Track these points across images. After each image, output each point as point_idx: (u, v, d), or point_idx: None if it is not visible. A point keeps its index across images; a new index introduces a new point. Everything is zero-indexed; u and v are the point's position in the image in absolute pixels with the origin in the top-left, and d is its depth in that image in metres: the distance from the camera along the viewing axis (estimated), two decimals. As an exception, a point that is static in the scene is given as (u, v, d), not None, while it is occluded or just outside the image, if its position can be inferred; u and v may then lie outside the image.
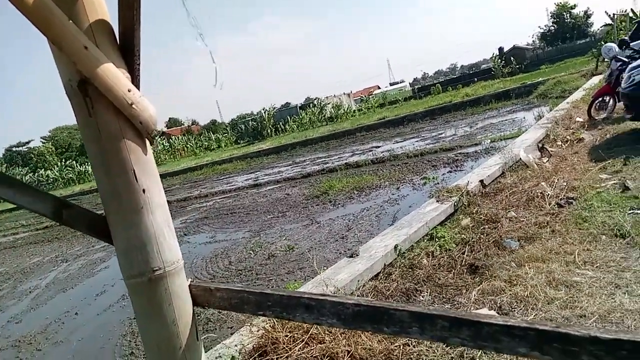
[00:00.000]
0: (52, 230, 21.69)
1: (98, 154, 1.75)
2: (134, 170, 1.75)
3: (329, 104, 52.72)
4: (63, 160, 65.68)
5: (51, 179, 60.64)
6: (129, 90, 1.70)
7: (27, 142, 79.67)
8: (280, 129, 49.46)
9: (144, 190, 1.78)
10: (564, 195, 6.21)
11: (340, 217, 10.19)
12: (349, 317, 1.63)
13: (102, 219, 1.87)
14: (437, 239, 5.81)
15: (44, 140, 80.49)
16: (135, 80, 1.78)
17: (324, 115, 49.13)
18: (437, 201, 7.14)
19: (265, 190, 16.87)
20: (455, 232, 5.94)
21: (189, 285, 1.96)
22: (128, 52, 1.76)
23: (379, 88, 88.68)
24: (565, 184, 6.65)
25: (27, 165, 73.46)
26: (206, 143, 57.83)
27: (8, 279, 12.71)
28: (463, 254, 5.20)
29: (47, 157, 72.61)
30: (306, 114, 50.13)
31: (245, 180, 21.59)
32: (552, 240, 4.98)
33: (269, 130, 50.04)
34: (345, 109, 49.71)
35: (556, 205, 5.94)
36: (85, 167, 59.80)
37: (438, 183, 10.92)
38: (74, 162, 63.94)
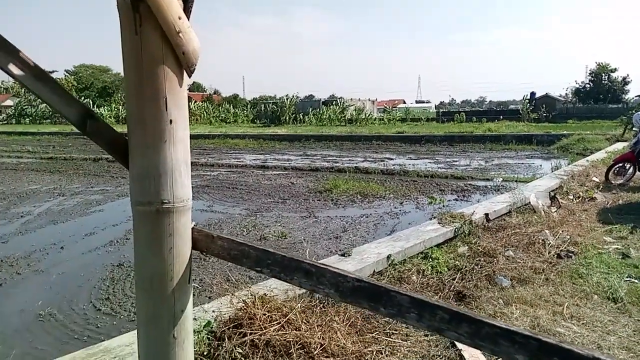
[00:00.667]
0: (55, 162, 21.81)
1: (135, 74, 1.72)
2: (166, 99, 1.72)
3: (352, 106, 52.67)
4: (82, 98, 65.97)
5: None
6: (179, 18, 1.66)
7: (51, 72, 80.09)
8: (299, 118, 49.44)
9: (170, 121, 1.75)
10: (565, 248, 6.18)
11: (338, 217, 10.19)
12: (348, 290, 1.63)
13: (124, 140, 1.86)
14: (431, 259, 5.80)
15: (67, 74, 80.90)
16: (187, 10, 1.74)
17: (345, 116, 49.08)
18: (439, 223, 7.13)
19: (271, 174, 16.89)
20: (450, 257, 5.93)
21: (192, 228, 1.95)
22: None
23: (404, 102, 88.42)
24: (568, 237, 6.62)
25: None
26: (223, 115, 57.88)
27: (3, 199, 12.79)
28: (453, 279, 5.19)
29: (67, 88, 72.87)
30: (327, 110, 50.11)
31: (254, 160, 21.61)
32: (544, 287, 4.97)
33: (287, 118, 50.04)
34: (367, 115, 49.66)
35: (555, 255, 5.91)
36: (101, 111, 60.03)
37: (442, 207, 10.89)
38: (91, 102, 64.22)
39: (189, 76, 1.85)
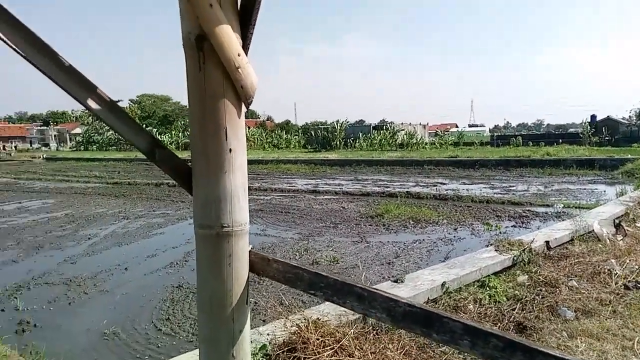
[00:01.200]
0: (120, 187, 23.06)
1: (198, 108, 1.87)
2: (226, 129, 1.86)
3: (402, 130, 52.43)
4: (144, 126, 69.50)
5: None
6: (238, 55, 1.80)
7: (117, 101, 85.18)
8: (349, 143, 49.76)
9: (230, 150, 1.89)
10: (634, 279, 5.83)
11: (390, 242, 10.11)
12: (399, 315, 1.65)
13: (188, 168, 2.00)
14: (488, 288, 5.64)
15: (131, 103, 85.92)
16: (246, 46, 1.88)
17: (395, 141, 48.90)
18: (496, 250, 6.92)
19: (323, 199, 17.03)
20: (509, 286, 5.74)
21: (250, 251, 2.05)
22: (245, 18, 1.88)
23: (456, 127, 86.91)
24: (637, 267, 6.24)
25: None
26: (276, 140, 59.25)
27: (72, 222, 13.65)
28: (513, 310, 5.01)
29: (136, 122, 77.31)
30: (378, 134, 50.14)
31: (305, 184, 21.89)
32: (611, 320, 4.70)
33: (338, 142, 50.48)
34: (418, 139, 49.22)
35: (623, 287, 5.59)
36: (162, 138, 63.02)
37: (499, 234, 10.56)
38: (154, 129, 67.60)
39: (247, 108, 2.00)
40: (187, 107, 1.97)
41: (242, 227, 1.97)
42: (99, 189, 22.52)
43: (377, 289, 1.80)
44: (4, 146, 74.43)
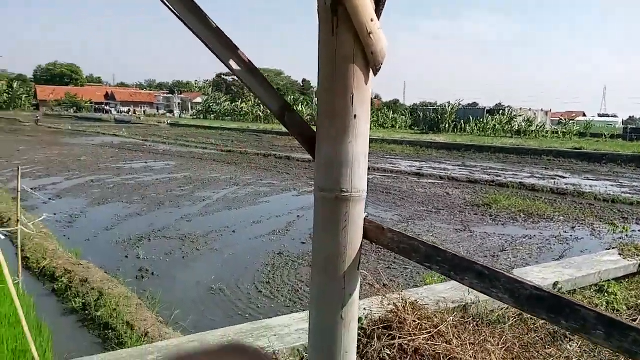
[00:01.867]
0: (232, 155, 24.50)
1: (329, 72, 1.89)
2: (352, 95, 1.86)
3: (521, 116, 48.91)
4: (257, 99, 72.93)
5: (243, 111, 68.02)
6: (371, 20, 1.79)
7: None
8: (459, 127, 47.66)
9: (355, 116, 1.89)
10: None
11: (497, 235, 9.57)
12: (524, 298, 1.54)
13: (312, 132, 2.05)
14: (606, 294, 5.10)
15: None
16: (379, 12, 1.87)
17: (512, 127, 45.81)
18: (620, 254, 6.23)
19: (426, 182, 16.58)
20: (632, 295, 5.14)
21: (364, 219, 2.06)
22: None
23: (584, 115, 79.02)
24: None
25: (228, 93, 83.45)
26: (382, 120, 58.69)
27: (189, 184, 14.81)
28: (634, 320, 4.48)
29: (245, 91, 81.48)
30: (492, 119, 47.33)
31: (409, 166, 21.47)
32: None
33: (447, 125, 48.60)
34: (538, 127, 45.62)
35: None
36: (272, 111, 65.42)
37: (625, 237, 9.48)
38: (265, 103, 70.52)
39: (375, 75, 1.97)
40: (317, 71, 2.00)
41: (359, 193, 1.98)
42: (214, 155, 24.12)
43: (500, 269, 1.70)
44: (134, 110, 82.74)
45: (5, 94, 77.88)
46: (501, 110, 52.03)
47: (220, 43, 1.91)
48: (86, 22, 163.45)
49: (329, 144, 1.95)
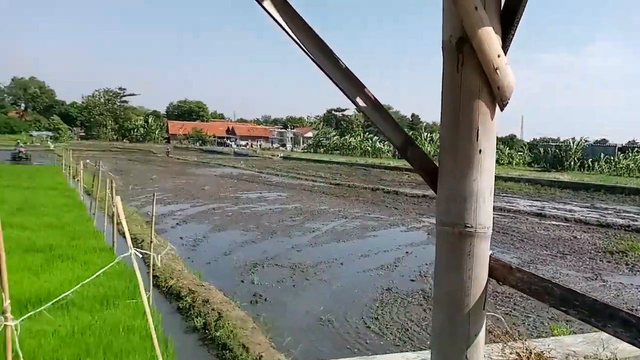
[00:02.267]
0: (340, 188, 24.91)
1: (451, 108, 1.90)
2: (477, 130, 1.85)
3: (660, 154, 43.50)
4: (366, 133, 74.10)
5: (352, 145, 69.29)
6: (498, 56, 1.79)
7: (344, 110, 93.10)
8: (586, 165, 43.64)
9: (480, 151, 1.86)
10: None
11: (635, 286, 8.46)
12: None
13: (434, 167, 2.05)
14: None
15: (356, 112, 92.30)
16: (505, 47, 1.86)
17: (649, 167, 40.90)
18: None
19: (549, 224, 15.30)
20: None
21: (490, 256, 1.96)
22: (508, 19, 1.86)
23: None
24: None
25: (337, 127, 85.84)
26: (497, 156, 55.94)
27: (300, 214, 15.28)
28: None
29: (354, 126, 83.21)
30: (625, 158, 42.70)
31: (529, 205, 20.02)
32: None
33: (572, 163, 44.74)
34: (681, 167, 40.15)
35: None
36: (382, 145, 65.92)
37: None
38: (375, 137, 71.30)
39: (501, 110, 1.95)
40: (441, 107, 2.02)
41: (485, 229, 1.90)
42: (323, 187, 24.72)
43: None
44: (252, 144, 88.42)
45: (142, 128, 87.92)
46: (635, 148, 46.79)
47: (348, 82, 2.02)
48: (214, 65, 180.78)
49: (452, 179, 1.94)
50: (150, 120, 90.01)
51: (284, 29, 1.91)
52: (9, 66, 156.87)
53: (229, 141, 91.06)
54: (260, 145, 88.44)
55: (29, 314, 3.94)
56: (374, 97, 2.03)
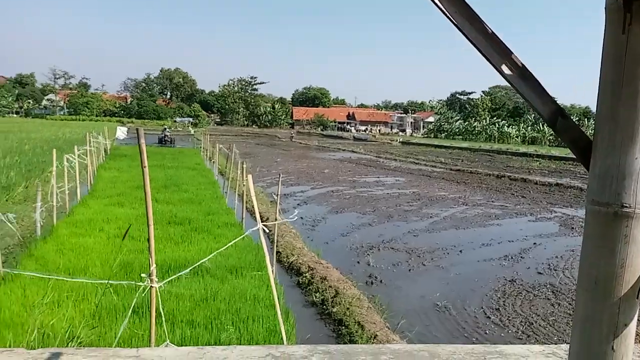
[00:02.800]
0: (461, 174, 23.94)
1: (613, 73, 1.72)
2: None
3: None
4: (494, 117, 69.99)
5: (476, 130, 65.99)
6: None
7: (470, 93, 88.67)
8: None
9: None
10: None
11: None
12: None
13: (588, 140, 1.88)
14: None
15: (483, 94, 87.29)
16: None
17: None
18: None
19: None
20: None
21: None
22: None
23: None
24: None
25: (461, 111, 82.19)
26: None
27: (417, 200, 15.03)
28: None
29: (480, 110, 78.97)
30: None
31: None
32: None
33: None
34: None
35: None
36: (509, 130, 61.84)
37: None
38: (502, 121, 66.96)
39: None
40: (600, 72, 1.85)
41: None
42: (442, 173, 23.97)
43: None
44: (371, 129, 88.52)
45: (269, 114, 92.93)
46: None
47: (493, 48, 1.92)
48: (337, 51, 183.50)
49: (608, 153, 1.75)
50: (276, 107, 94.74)
51: None
52: (158, 58, 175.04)
53: (348, 126, 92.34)
54: (379, 130, 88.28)
55: (170, 278, 4.49)
56: (522, 64, 1.92)
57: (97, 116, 75.33)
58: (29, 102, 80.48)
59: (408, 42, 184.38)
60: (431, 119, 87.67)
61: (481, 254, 8.97)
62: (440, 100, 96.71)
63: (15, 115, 75.49)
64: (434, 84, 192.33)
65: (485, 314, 6.07)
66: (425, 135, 79.39)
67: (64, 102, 79.92)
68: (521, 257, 8.76)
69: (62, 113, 76.73)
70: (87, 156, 13.75)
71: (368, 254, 8.65)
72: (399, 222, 11.59)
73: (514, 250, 9.20)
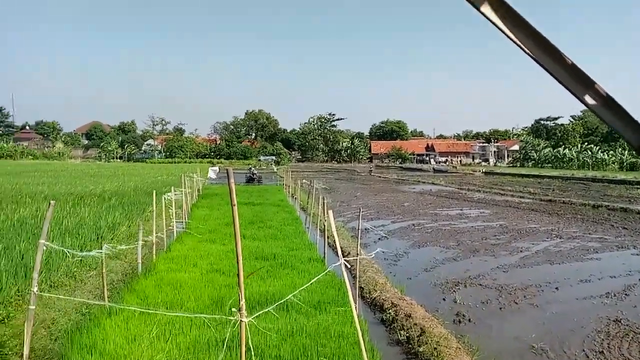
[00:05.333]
0: (553, 204, 22.46)
1: None
2: None
3: None
4: (585, 143, 65.42)
5: (566, 158, 61.95)
6: None
7: (556, 118, 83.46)
8: None
9: None
10: None
11: None
12: None
13: None
14: None
15: (572, 120, 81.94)
16: None
17: None
18: None
19: None
20: None
21: None
22: None
23: None
24: None
25: (549, 138, 77.62)
26: None
27: (505, 233, 14.31)
28: None
29: (571, 136, 74.11)
30: None
31: None
32: None
33: None
34: None
35: None
36: (604, 156, 57.43)
37: None
38: (595, 147, 62.34)
39: None
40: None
41: None
42: (532, 204, 22.69)
43: None
44: (451, 160, 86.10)
45: (348, 149, 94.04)
46: None
47: (575, 79, 1.90)
48: (414, 84, 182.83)
49: None
50: (355, 142, 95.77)
51: (502, 31, 1.87)
52: (243, 100, 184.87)
53: (427, 158, 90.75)
54: (460, 160, 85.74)
55: (258, 314, 4.66)
56: (606, 93, 1.89)
57: (190, 158, 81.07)
58: (131, 147, 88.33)
59: (487, 69, 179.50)
60: (516, 147, 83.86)
61: (580, 291, 8.33)
62: (525, 127, 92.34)
63: (119, 160, 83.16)
64: (516, 111, 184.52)
65: (588, 357, 5.60)
66: (510, 165, 75.94)
67: (162, 146, 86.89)
68: (625, 294, 8.02)
69: (159, 156, 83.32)
70: (182, 196, 14.76)
71: (454, 291, 8.36)
72: (486, 257, 11.10)
73: (617, 286, 8.44)
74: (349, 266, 8.74)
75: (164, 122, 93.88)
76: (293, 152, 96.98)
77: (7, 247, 8.72)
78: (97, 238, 10.56)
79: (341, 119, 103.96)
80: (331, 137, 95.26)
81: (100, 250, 6.43)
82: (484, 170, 59.71)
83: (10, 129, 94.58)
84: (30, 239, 9.47)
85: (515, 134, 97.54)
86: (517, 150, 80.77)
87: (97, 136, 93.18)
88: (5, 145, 79.33)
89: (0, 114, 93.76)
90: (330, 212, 5.10)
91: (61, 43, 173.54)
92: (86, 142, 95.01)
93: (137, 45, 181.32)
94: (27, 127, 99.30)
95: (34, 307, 4.20)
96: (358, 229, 7.61)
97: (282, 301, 5.09)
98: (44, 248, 4.42)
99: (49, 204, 4.54)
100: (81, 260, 8.55)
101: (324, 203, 10.62)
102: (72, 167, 51.56)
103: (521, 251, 11.66)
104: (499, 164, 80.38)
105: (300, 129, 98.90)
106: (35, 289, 4.21)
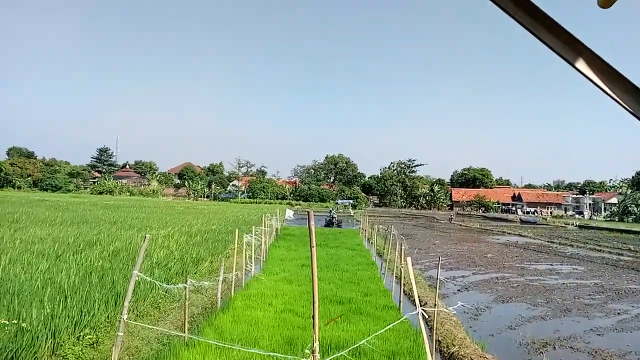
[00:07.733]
0: (659, 265, 20.25)
1: None
2: None
3: None
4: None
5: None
6: None
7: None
8: None
9: None
10: None
11: None
12: None
13: None
14: None
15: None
16: None
17: None
18: None
19: None
20: None
21: None
22: None
23: None
24: None
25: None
26: None
27: (601, 292, 13.10)
28: None
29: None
30: None
31: None
32: None
33: None
34: None
35: None
36: None
37: None
38: None
39: None
40: None
41: None
42: (632, 263, 20.63)
43: None
44: (540, 211, 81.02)
45: (427, 196, 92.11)
46: None
47: None
48: (500, 131, 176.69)
49: None
50: (435, 188, 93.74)
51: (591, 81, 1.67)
52: (324, 146, 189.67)
53: (514, 208, 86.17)
54: (551, 212, 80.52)
55: (332, 357, 4.65)
56: None
57: (270, 199, 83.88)
58: (217, 187, 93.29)
59: (577, 115, 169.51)
60: (614, 200, 77.36)
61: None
62: (625, 179, 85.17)
63: (205, 199, 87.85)
64: (615, 161, 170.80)
65: None
66: (608, 219, 69.91)
67: (245, 187, 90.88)
68: None
69: (242, 196, 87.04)
70: (261, 235, 15.25)
71: (542, 352, 7.75)
72: (579, 318, 10.20)
73: None
74: (426, 317, 8.45)
75: (248, 164, 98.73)
76: (371, 197, 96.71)
77: (102, 276, 9.47)
78: (182, 272, 11.16)
79: (421, 164, 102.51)
80: (410, 182, 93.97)
81: (185, 285, 6.81)
82: (577, 224, 55.51)
83: (112, 167, 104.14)
84: (122, 269, 10.24)
85: (613, 186, 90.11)
86: (615, 204, 74.40)
87: (188, 176, 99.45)
88: (106, 182, 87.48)
89: (105, 154, 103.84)
90: (409, 259, 5.04)
91: (156, 92, 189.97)
92: (178, 181, 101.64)
93: (227, 100, 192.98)
94: (127, 166, 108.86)
95: (122, 333, 4.53)
96: (437, 278, 7.40)
97: (356, 346, 5.05)
98: (136, 279, 4.79)
99: (144, 237, 4.95)
100: (166, 291, 9.05)
101: (401, 249, 10.45)
102: (163, 203, 55.26)
103: (619, 313, 10.59)
104: (594, 218, 74.31)
105: (380, 173, 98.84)
106: (125, 316, 4.55)
